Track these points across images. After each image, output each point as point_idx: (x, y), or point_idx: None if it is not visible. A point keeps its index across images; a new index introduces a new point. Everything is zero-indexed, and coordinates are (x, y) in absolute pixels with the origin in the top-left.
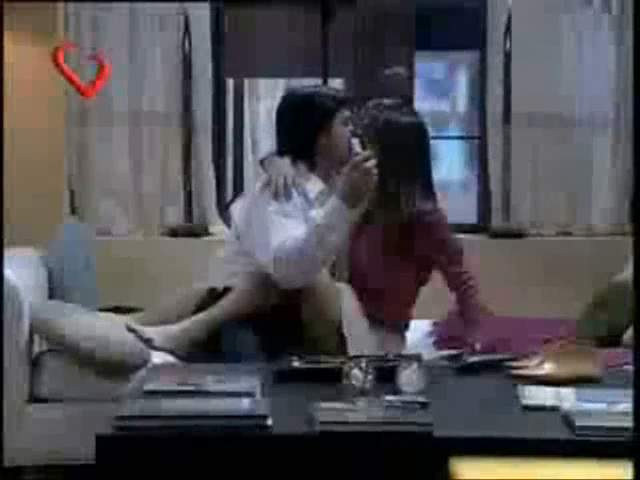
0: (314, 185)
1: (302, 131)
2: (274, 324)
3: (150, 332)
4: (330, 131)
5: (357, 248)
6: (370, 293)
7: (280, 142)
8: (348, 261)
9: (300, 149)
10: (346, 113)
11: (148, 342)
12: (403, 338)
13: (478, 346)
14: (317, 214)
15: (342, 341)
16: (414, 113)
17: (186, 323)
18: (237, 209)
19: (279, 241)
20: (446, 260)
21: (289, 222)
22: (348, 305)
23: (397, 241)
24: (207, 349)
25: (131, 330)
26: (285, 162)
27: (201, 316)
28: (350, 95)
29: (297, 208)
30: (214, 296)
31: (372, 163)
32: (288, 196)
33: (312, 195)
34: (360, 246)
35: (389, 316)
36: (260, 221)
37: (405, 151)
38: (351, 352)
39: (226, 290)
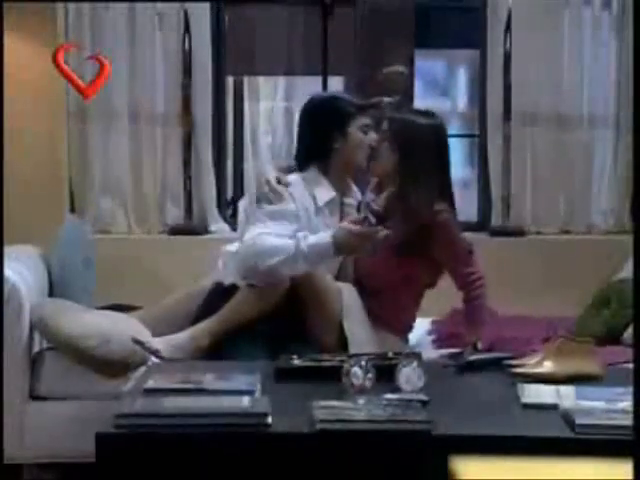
0: (325, 192)
1: (318, 134)
2: (276, 324)
3: (156, 343)
4: (345, 136)
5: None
6: (375, 294)
7: (298, 145)
8: (357, 262)
9: (316, 152)
10: (363, 120)
11: (155, 353)
12: (406, 340)
13: (480, 346)
14: (304, 239)
15: (344, 341)
16: (432, 114)
17: (191, 331)
18: (241, 208)
19: (253, 235)
20: (455, 260)
21: (273, 224)
22: (350, 305)
23: (406, 242)
24: (210, 352)
25: (137, 342)
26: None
27: (206, 324)
28: (369, 102)
29: (289, 213)
30: (220, 291)
31: (383, 234)
32: (279, 199)
33: (321, 202)
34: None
35: (393, 318)
36: (252, 220)
37: (424, 152)
38: (352, 352)
39: (231, 288)
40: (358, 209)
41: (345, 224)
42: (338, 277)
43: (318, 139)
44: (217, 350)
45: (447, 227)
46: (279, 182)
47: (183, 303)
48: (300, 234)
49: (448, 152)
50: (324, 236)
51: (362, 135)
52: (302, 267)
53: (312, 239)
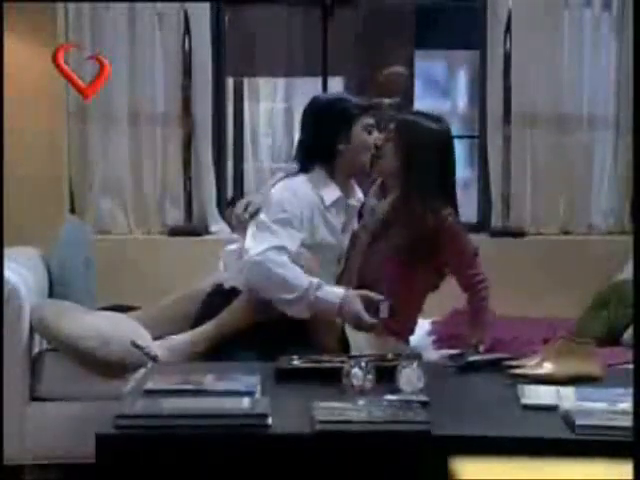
0: (332, 192)
1: (323, 136)
2: (277, 328)
3: (155, 347)
4: (350, 137)
5: (371, 252)
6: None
7: (300, 145)
8: (360, 265)
9: (320, 153)
10: (366, 119)
11: (154, 359)
12: (407, 342)
13: (482, 348)
14: (316, 289)
15: (345, 345)
16: (439, 118)
17: (190, 335)
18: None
19: (265, 248)
20: (461, 263)
21: (283, 231)
22: None
23: (411, 247)
24: (209, 355)
25: (137, 347)
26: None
27: (205, 328)
28: (371, 102)
29: (295, 217)
30: (220, 293)
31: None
32: (290, 204)
33: (328, 202)
34: (373, 251)
35: (395, 321)
36: (255, 225)
37: (430, 156)
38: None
39: (232, 290)
40: (360, 212)
41: (357, 302)
42: (339, 281)
43: (323, 140)
44: (216, 353)
45: (455, 232)
46: (247, 207)
47: (182, 303)
48: (315, 282)
49: (454, 157)
50: (335, 296)
51: (366, 135)
52: (302, 312)
53: (322, 294)
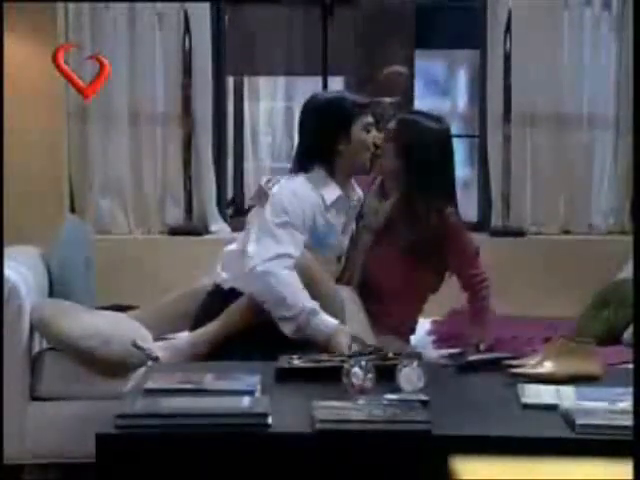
0: (332, 192)
1: (323, 136)
2: (278, 329)
3: (156, 349)
4: (349, 137)
5: (373, 252)
6: (381, 298)
7: (300, 145)
8: (362, 265)
9: (320, 153)
10: (365, 118)
11: (155, 360)
12: (408, 342)
13: (482, 347)
14: (312, 314)
15: None
16: (440, 118)
17: (191, 337)
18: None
19: (269, 256)
20: (463, 262)
21: (285, 235)
22: (351, 309)
23: (414, 247)
24: (210, 357)
25: (138, 347)
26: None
27: (205, 330)
28: (371, 100)
29: (297, 218)
30: (219, 294)
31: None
32: (292, 206)
33: (329, 202)
34: (376, 251)
35: (397, 321)
36: (257, 227)
37: (431, 156)
38: None
39: (231, 291)
40: (360, 212)
41: (344, 341)
42: (339, 279)
43: (323, 141)
44: (217, 354)
45: (457, 231)
46: (269, 181)
47: (181, 302)
48: (309, 307)
49: (454, 156)
50: (326, 326)
51: (365, 134)
52: (292, 331)
53: (314, 321)
